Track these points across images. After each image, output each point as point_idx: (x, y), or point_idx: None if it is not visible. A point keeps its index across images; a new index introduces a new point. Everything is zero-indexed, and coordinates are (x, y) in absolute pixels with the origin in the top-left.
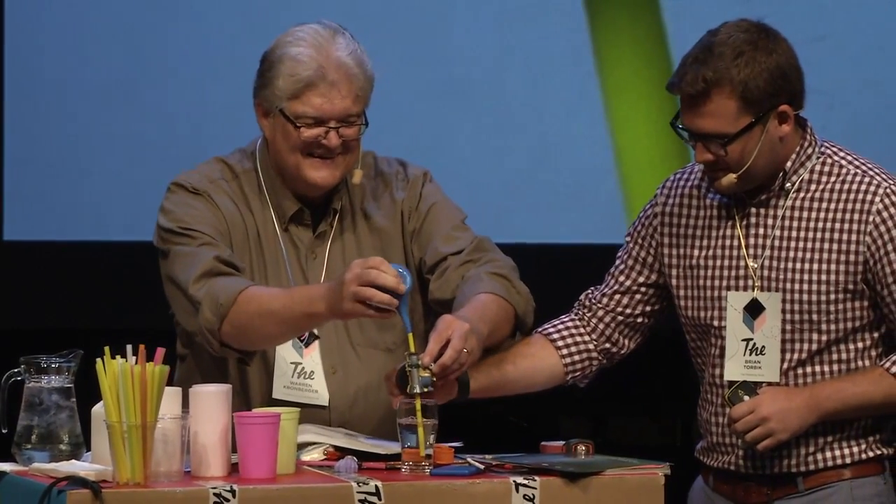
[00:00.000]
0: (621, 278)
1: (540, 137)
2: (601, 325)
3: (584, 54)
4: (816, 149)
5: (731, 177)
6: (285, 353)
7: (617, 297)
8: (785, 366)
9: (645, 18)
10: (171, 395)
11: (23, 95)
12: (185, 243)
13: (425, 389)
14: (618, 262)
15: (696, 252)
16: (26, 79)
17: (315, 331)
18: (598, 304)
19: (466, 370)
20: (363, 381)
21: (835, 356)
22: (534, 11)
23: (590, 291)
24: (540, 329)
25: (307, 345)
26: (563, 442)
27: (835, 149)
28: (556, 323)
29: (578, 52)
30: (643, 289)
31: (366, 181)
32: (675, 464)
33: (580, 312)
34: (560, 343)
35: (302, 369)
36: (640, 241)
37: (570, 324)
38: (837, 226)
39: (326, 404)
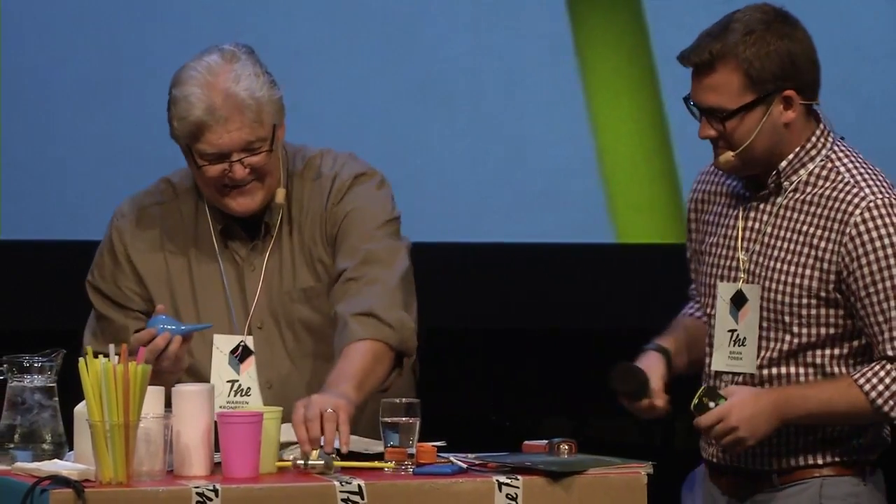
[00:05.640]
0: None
1: (520, 136)
2: None
3: (564, 53)
4: (823, 151)
5: (729, 154)
6: (221, 371)
7: None
8: (759, 361)
9: (626, 17)
10: (154, 394)
11: (8, 97)
12: (93, 314)
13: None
14: (688, 259)
15: (706, 238)
16: (9, 80)
17: (250, 346)
18: (698, 293)
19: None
20: (299, 393)
21: (809, 359)
22: (513, 9)
23: (692, 286)
24: (681, 316)
25: (242, 360)
26: (546, 441)
27: (842, 153)
28: (688, 308)
29: (559, 51)
30: None
31: (309, 184)
32: (656, 463)
33: (697, 300)
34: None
35: (238, 386)
36: (690, 236)
37: (694, 308)
38: (818, 232)
39: None
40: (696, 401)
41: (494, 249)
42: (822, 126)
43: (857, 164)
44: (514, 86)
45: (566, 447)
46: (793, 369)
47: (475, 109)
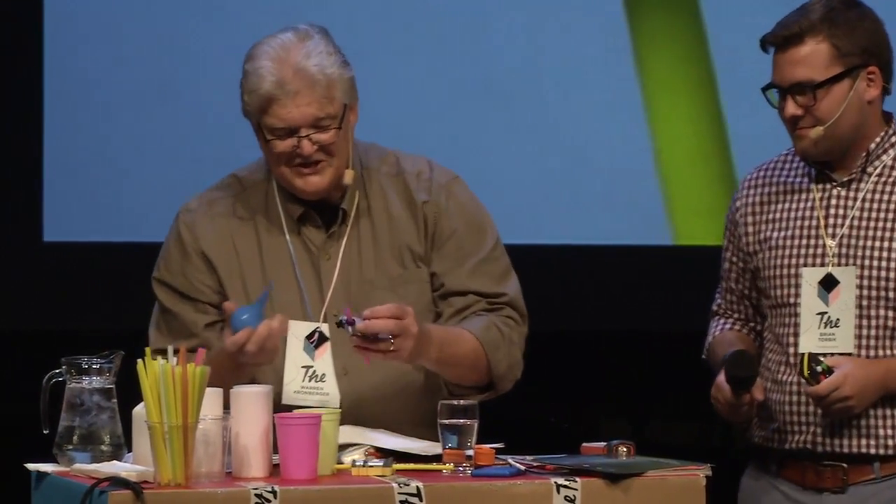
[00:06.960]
0: (737, 286)
1: (578, 138)
2: (744, 318)
3: (622, 54)
4: None
5: (819, 129)
6: (296, 356)
7: (746, 301)
8: (858, 341)
9: (684, 18)
10: (213, 395)
11: (61, 97)
12: (158, 310)
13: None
14: (724, 272)
15: (775, 234)
16: (65, 80)
17: (325, 332)
18: (731, 310)
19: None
20: (374, 380)
21: None
22: (572, 11)
23: (719, 302)
24: (720, 332)
25: (317, 346)
26: (605, 443)
27: None
28: (723, 324)
29: (617, 52)
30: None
31: (388, 179)
32: (715, 465)
33: (727, 317)
34: (745, 330)
35: (313, 372)
36: (732, 248)
37: (730, 324)
38: None
39: (338, 406)
40: (807, 370)
41: (552, 251)
42: (894, 119)
43: None
44: (571, 87)
45: (625, 449)
46: (891, 352)
47: (533, 111)
